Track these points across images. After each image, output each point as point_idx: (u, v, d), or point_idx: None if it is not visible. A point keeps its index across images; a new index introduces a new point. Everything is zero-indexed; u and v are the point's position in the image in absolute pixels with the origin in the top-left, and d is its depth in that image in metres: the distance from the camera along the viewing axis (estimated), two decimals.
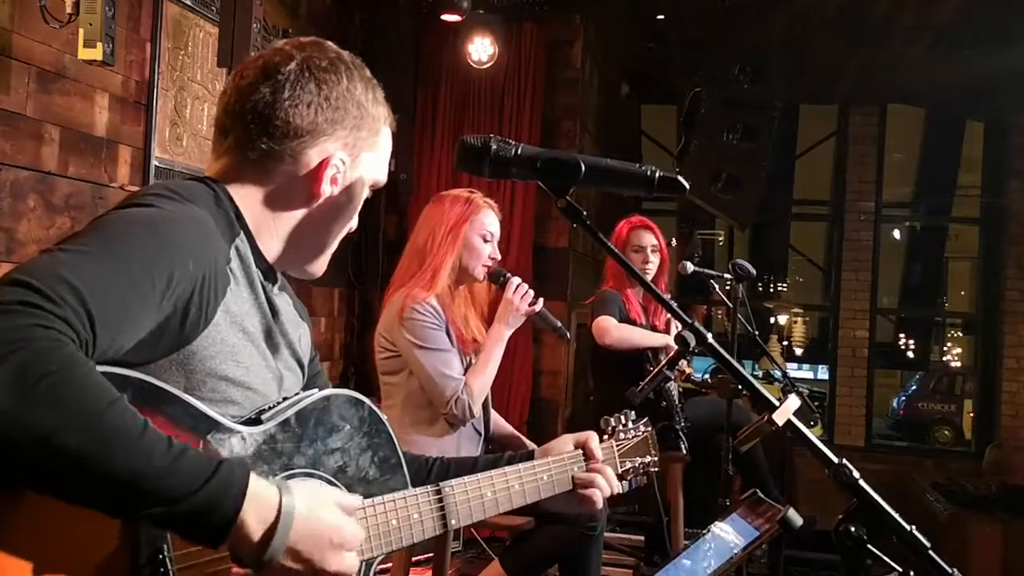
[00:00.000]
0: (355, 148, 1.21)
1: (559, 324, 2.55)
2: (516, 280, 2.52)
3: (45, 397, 0.80)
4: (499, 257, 2.60)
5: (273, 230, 1.19)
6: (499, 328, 2.52)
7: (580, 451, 1.52)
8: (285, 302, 1.27)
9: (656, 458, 1.65)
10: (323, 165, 1.18)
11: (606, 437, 1.59)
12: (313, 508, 0.99)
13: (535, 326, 2.55)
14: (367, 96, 1.22)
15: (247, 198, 1.17)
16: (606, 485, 1.50)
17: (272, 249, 1.20)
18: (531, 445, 2.68)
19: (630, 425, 1.63)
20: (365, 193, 1.26)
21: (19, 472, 0.82)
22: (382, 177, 1.28)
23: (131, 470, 0.84)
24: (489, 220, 2.57)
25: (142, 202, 1.04)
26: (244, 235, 1.15)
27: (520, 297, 2.49)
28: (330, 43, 1.23)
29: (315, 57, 1.18)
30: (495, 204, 2.63)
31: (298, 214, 1.20)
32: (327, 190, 1.19)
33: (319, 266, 1.27)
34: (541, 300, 2.53)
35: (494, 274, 2.55)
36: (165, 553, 0.95)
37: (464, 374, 2.48)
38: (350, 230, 1.28)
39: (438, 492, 1.29)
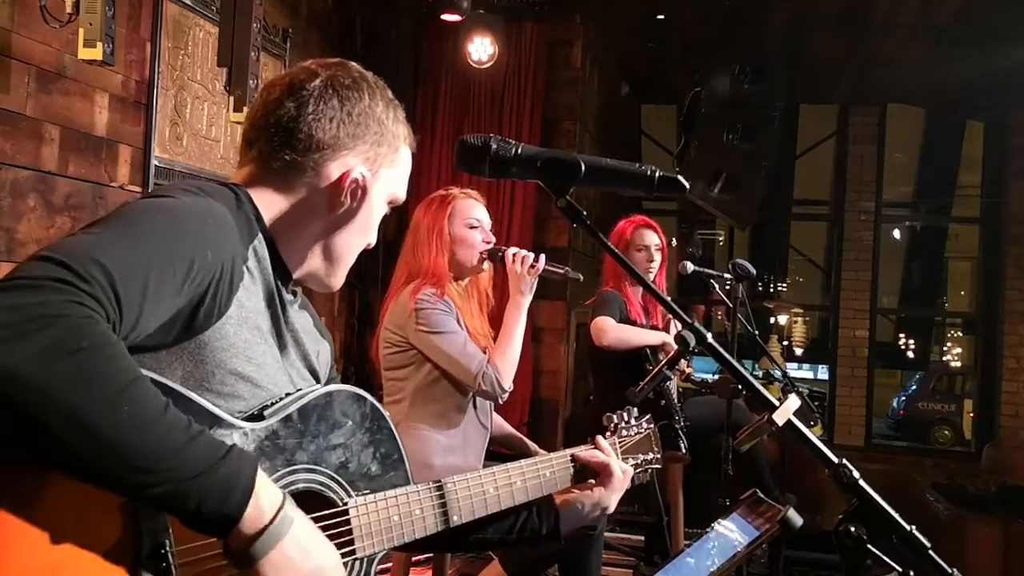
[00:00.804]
0: (375, 163, 1.24)
1: (565, 269, 2.54)
2: (511, 250, 2.51)
3: (74, 372, 0.82)
4: (493, 240, 2.57)
5: (292, 239, 1.21)
6: (516, 299, 2.51)
7: (584, 446, 1.54)
8: (305, 319, 1.29)
9: (659, 455, 1.66)
10: (343, 178, 1.20)
11: (608, 434, 1.60)
12: (310, 529, 1.01)
13: (536, 317, 2.54)
14: (388, 114, 1.26)
15: (268, 206, 1.19)
16: (617, 466, 1.51)
17: (290, 256, 1.22)
18: (532, 445, 2.68)
19: (632, 422, 1.63)
20: (384, 209, 1.29)
21: (43, 443, 0.83)
22: (401, 194, 1.31)
23: (149, 445, 0.85)
24: (469, 208, 2.55)
25: (164, 194, 1.07)
26: (263, 237, 1.17)
27: (521, 264, 2.49)
28: (354, 64, 1.27)
29: (339, 76, 1.22)
30: (474, 192, 2.61)
31: (317, 225, 1.22)
32: (346, 203, 1.21)
33: (336, 279, 1.29)
34: (543, 257, 2.51)
35: (491, 254, 2.54)
36: (167, 548, 0.96)
37: (483, 353, 2.47)
38: (369, 245, 1.30)
39: (439, 488, 1.30)
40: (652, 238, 3.64)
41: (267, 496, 0.95)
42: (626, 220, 3.72)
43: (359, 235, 1.27)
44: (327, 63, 1.25)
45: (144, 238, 0.96)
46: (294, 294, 1.26)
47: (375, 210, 1.26)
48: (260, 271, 1.14)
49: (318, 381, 1.29)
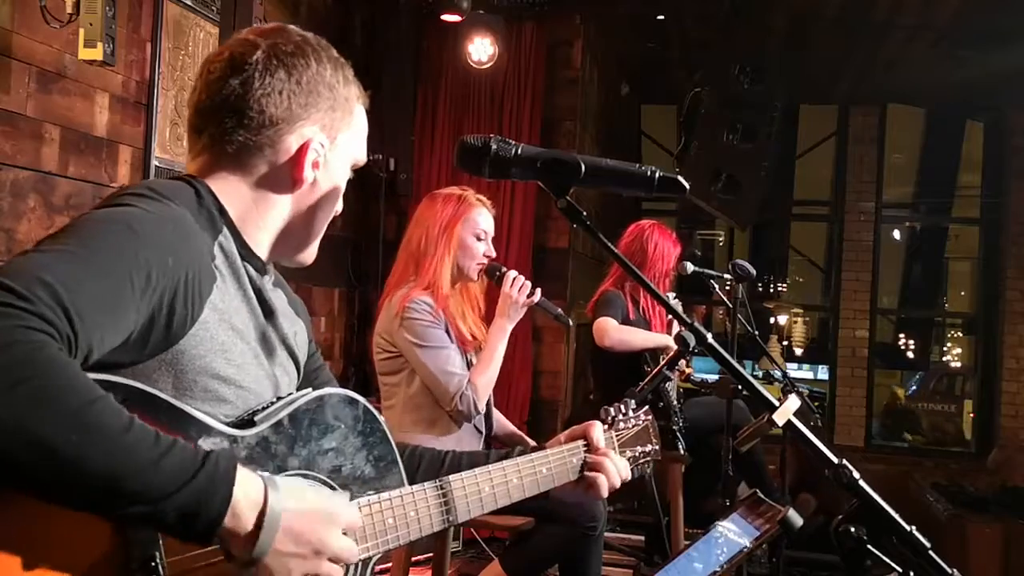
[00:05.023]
0: (332, 130, 1.22)
1: (558, 311, 2.58)
2: (512, 273, 2.53)
3: (24, 400, 0.80)
4: (494, 255, 2.60)
5: (259, 221, 1.19)
6: (501, 323, 2.53)
7: (580, 442, 1.50)
8: (279, 298, 1.27)
9: (657, 447, 1.63)
10: (303, 150, 1.18)
11: (605, 428, 1.58)
12: (300, 493, 1.00)
13: (535, 315, 2.59)
14: (337, 77, 1.22)
15: (229, 192, 1.16)
16: (614, 469, 1.47)
17: (259, 240, 1.20)
18: (533, 444, 2.68)
19: (630, 414, 1.61)
20: (347, 174, 1.27)
21: (6, 474, 0.82)
22: (361, 156, 1.29)
23: (111, 469, 0.83)
24: (482, 218, 2.57)
25: (120, 202, 1.04)
26: (228, 230, 1.14)
27: (518, 290, 2.50)
28: (293, 27, 1.23)
29: (280, 43, 1.18)
30: (488, 201, 2.64)
31: (283, 201, 1.20)
32: (309, 174, 1.19)
33: (309, 254, 1.27)
34: (539, 291, 2.55)
35: (490, 270, 2.57)
36: (158, 560, 0.95)
37: (466, 371, 2.49)
38: (336, 213, 1.28)
39: (436, 488, 1.28)
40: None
41: (249, 496, 0.93)
42: (671, 236, 3.68)
43: (326, 206, 1.24)
44: (264, 31, 1.20)
45: (96, 250, 0.93)
46: (265, 272, 1.23)
47: (339, 178, 1.24)
48: (229, 266, 1.12)
49: (298, 365, 1.27)
